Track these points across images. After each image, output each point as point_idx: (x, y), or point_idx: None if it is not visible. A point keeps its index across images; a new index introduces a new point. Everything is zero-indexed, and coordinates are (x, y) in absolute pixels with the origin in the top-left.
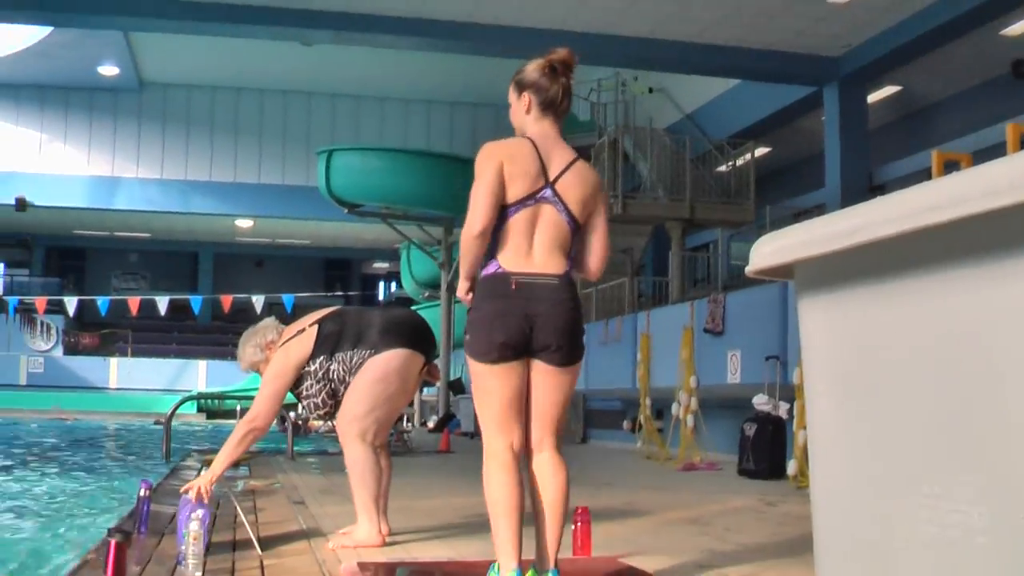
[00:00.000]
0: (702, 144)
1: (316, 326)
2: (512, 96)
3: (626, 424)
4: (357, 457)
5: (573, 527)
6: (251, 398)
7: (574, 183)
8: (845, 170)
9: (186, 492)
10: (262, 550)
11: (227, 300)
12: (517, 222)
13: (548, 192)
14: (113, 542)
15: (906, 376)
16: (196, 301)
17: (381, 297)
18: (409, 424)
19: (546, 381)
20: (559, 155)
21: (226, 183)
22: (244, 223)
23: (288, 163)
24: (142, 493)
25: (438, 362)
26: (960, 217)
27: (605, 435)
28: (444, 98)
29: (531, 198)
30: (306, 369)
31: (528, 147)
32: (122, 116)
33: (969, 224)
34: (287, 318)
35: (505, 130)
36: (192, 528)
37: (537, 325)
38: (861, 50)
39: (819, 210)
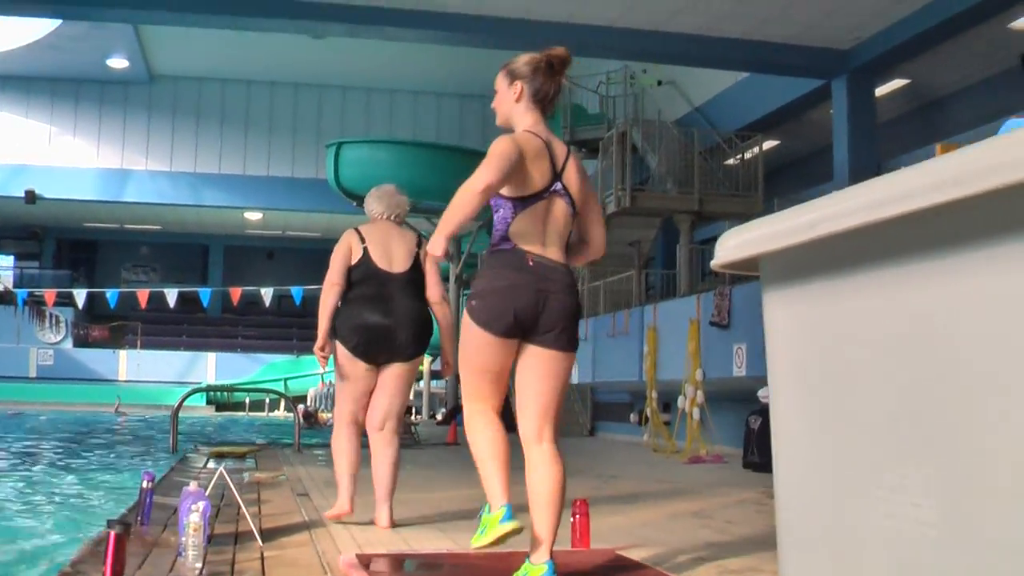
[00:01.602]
0: (711, 137)
1: None
2: (502, 84)
3: (633, 417)
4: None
5: (572, 519)
6: (260, 390)
7: (574, 174)
8: (853, 163)
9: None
10: (264, 542)
11: (236, 292)
12: (533, 213)
13: (559, 185)
14: (112, 534)
15: (861, 370)
16: (205, 293)
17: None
18: (418, 417)
19: (547, 367)
20: (559, 148)
21: (236, 175)
22: (254, 215)
23: (298, 156)
24: (145, 485)
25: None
26: (906, 212)
27: (613, 428)
28: (454, 91)
29: (546, 191)
30: None
31: (540, 143)
32: (132, 108)
33: (916, 219)
34: (297, 311)
35: None
36: (193, 520)
37: (548, 305)
38: (870, 43)
39: None
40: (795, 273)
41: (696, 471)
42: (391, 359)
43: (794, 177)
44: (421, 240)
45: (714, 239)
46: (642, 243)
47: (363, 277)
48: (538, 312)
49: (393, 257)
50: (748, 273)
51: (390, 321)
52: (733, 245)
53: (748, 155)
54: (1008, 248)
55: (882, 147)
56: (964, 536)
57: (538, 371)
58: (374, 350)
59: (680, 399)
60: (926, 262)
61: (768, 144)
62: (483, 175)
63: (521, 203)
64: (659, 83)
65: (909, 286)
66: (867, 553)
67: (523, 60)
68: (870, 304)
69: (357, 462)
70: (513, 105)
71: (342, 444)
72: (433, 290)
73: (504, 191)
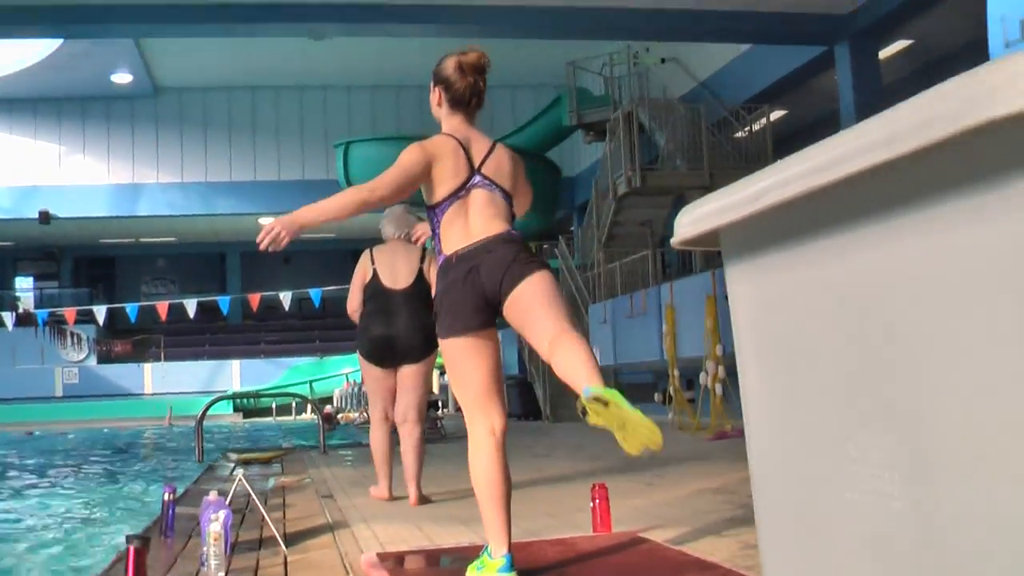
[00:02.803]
0: (718, 111)
1: None
2: (431, 86)
3: (657, 396)
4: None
5: (592, 504)
6: (284, 394)
7: (498, 165)
8: None
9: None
10: (287, 546)
11: (255, 299)
12: (452, 214)
13: (477, 178)
14: (131, 548)
15: (818, 340)
16: (224, 302)
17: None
18: (444, 411)
19: (527, 296)
20: (478, 145)
21: (246, 182)
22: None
23: (307, 158)
24: (166, 498)
25: None
26: (842, 177)
27: (638, 408)
28: None
29: (462, 189)
30: None
31: (454, 144)
32: (139, 123)
33: (855, 183)
34: (317, 313)
35: (520, 111)
36: (213, 529)
37: (482, 273)
38: (871, 6)
39: None
40: (751, 245)
41: (720, 447)
42: (401, 362)
43: (803, 146)
44: (425, 255)
45: None
46: (655, 222)
47: (372, 295)
48: (482, 286)
49: (398, 275)
50: (710, 249)
51: (392, 331)
52: (688, 221)
53: (756, 127)
54: (945, 207)
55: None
56: (926, 507)
57: (524, 304)
58: (383, 356)
59: (702, 375)
60: (870, 226)
61: (776, 114)
62: (372, 190)
63: (441, 208)
64: (663, 61)
65: (856, 251)
66: (834, 526)
67: (445, 63)
68: (822, 272)
69: (390, 450)
70: (436, 109)
71: (378, 438)
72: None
73: (429, 198)
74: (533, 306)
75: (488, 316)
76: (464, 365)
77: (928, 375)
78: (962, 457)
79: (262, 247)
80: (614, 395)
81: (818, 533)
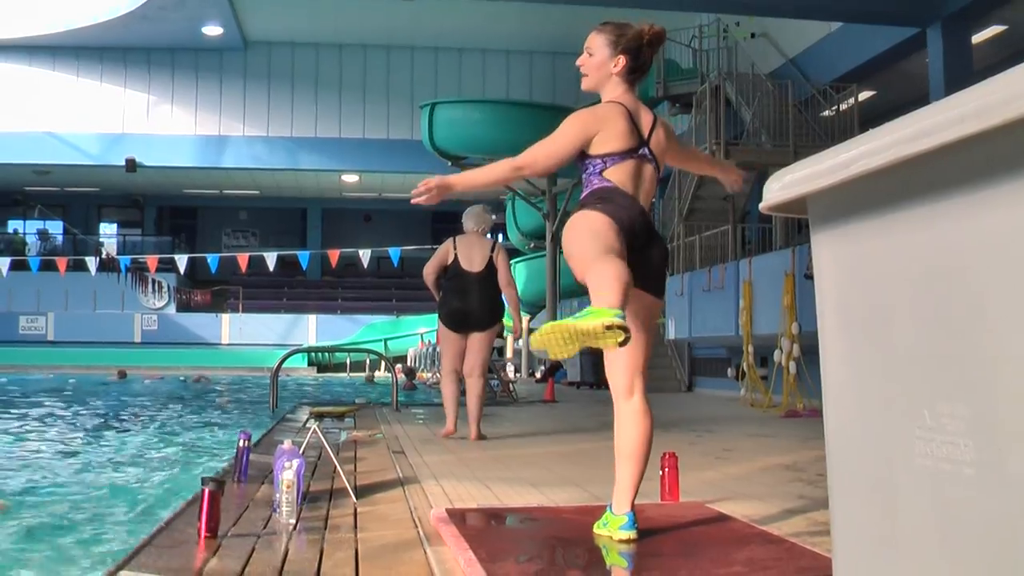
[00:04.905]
0: (805, 89)
1: None
2: (602, 50)
3: (730, 372)
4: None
5: (661, 472)
6: (360, 350)
7: (659, 140)
8: None
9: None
10: (357, 498)
11: (334, 255)
12: (623, 168)
13: (646, 150)
14: (207, 490)
15: (900, 309)
16: (304, 257)
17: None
18: (517, 375)
19: (641, 314)
20: (645, 116)
21: (331, 139)
22: (350, 178)
23: (392, 118)
24: (241, 444)
25: (543, 314)
26: (933, 147)
27: (710, 383)
28: (546, 48)
29: (632, 153)
30: None
31: (624, 111)
32: (228, 76)
33: (945, 153)
34: (395, 272)
35: None
36: (286, 477)
37: (649, 246)
38: None
39: None
40: (838, 213)
41: (792, 425)
42: (472, 329)
43: None
44: (496, 245)
45: None
46: (736, 198)
47: (453, 275)
48: (641, 246)
49: (473, 260)
50: (798, 216)
51: (467, 306)
52: (778, 187)
53: (843, 107)
54: None
55: None
56: (999, 475)
57: (636, 313)
58: (458, 324)
59: (776, 353)
60: (959, 197)
61: (863, 95)
62: (530, 164)
63: (611, 159)
64: (752, 36)
65: (944, 222)
66: (906, 494)
67: (630, 34)
68: (908, 241)
69: (457, 397)
70: (610, 75)
71: (447, 386)
72: (503, 278)
73: (592, 150)
74: (639, 325)
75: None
76: (604, 234)
77: (1009, 347)
78: None
79: (414, 201)
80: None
81: (890, 502)
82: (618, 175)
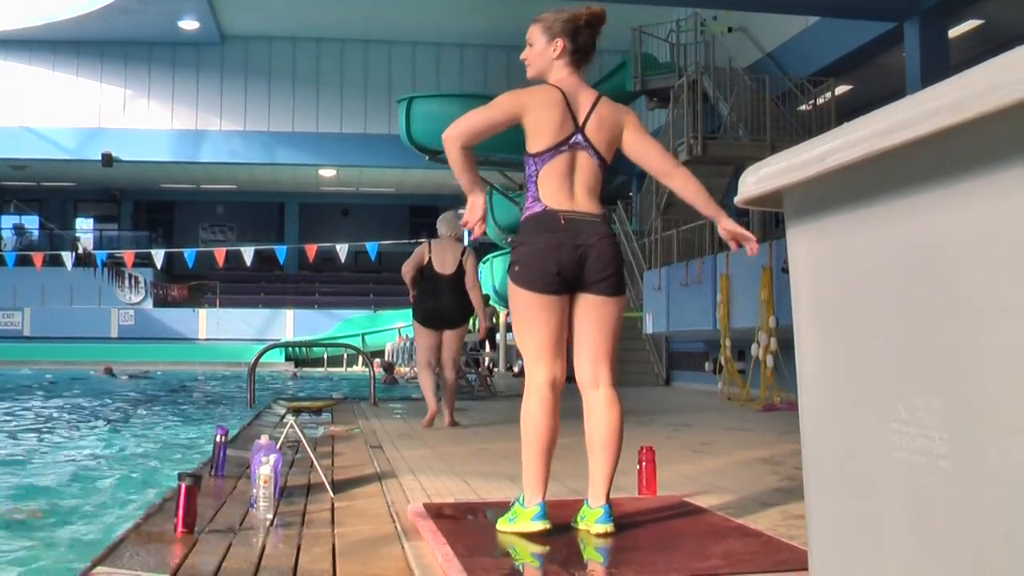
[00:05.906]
0: (782, 83)
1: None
2: (539, 39)
3: (708, 366)
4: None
5: (638, 467)
6: (337, 345)
7: (599, 122)
8: None
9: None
10: (335, 493)
11: (312, 249)
12: (555, 167)
13: (579, 137)
14: (183, 486)
15: (875, 303)
16: (281, 251)
17: (466, 243)
18: (495, 369)
19: (598, 312)
20: (584, 98)
21: (309, 133)
22: (328, 172)
23: (370, 112)
24: (217, 439)
25: None
26: (907, 141)
27: (688, 377)
28: (523, 43)
29: (564, 144)
30: None
31: (558, 95)
32: (205, 70)
33: (920, 147)
34: (372, 267)
35: (584, 75)
36: (263, 472)
37: (590, 257)
38: None
39: None
40: (813, 207)
41: (769, 419)
42: (443, 327)
43: None
44: (466, 250)
45: None
46: (714, 192)
47: (427, 277)
48: (580, 267)
49: (446, 263)
50: (774, 209)
51: (439, 306)
52: (754, 180)
53: (821, 101)
54: (1008, 173)
55: None
56: (974, 468)
57: (591, 317)
58: (432, 322)
59: (754, 347)
60: (934, 190)
61: (841, 89)
62: (460, 124)
63: (541, 158)
64: (729, 30)
65: (919, 215)
66: (881, 486)
67: (563, 17)
68: (883, 235)
69: (434, 387)
70: (552, 61)
71: (424, 377)
72: (470, 280)
73: (528, 147)
74: (594, 330)
75: (565, 287)
76: (535, 316)
77: (985, 340)
78: (1012, 421)
79: (468, 226)
80: None
81: (865, 494)
82: (550, 175)
